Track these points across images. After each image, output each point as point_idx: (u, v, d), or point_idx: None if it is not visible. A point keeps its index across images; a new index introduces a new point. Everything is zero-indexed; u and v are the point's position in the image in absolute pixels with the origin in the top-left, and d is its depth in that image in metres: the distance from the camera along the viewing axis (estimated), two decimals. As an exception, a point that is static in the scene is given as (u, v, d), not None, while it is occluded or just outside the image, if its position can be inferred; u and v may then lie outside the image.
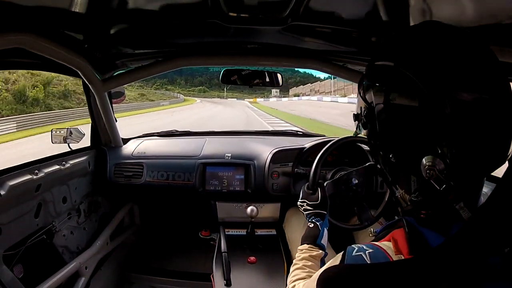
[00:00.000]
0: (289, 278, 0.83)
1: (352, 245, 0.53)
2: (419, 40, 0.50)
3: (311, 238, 0.94)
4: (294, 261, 0.90)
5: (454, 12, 0.73)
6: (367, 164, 1.31)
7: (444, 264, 0.42)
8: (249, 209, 1.45)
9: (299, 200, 1.10)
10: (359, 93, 0.58)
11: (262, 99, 56.07)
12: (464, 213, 0.45)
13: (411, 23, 0.84)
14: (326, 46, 1.26)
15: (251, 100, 55.23)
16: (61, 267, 1.28)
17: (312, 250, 0.90)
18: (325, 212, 1.02)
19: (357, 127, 0.60)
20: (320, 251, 0.91)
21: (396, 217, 0.58)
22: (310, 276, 0.77)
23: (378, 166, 0.58)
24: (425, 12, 0.77)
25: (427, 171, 0.45)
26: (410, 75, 0.46)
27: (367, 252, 0.49)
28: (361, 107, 0.58)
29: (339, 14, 0.90)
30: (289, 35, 1.10)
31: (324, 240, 0.94)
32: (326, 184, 1.32)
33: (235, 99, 62.32)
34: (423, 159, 0.45)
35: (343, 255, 0.52)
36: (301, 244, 0.94)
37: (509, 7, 0.64)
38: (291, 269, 0.87)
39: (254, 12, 0.93)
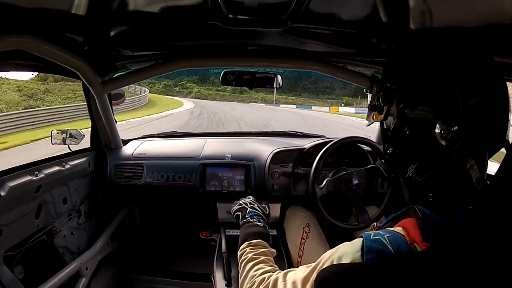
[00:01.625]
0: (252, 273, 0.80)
1: (365, 232, 0.53)
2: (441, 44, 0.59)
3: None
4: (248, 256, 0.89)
5: (454, 13, 0.73)
6: (368, 166, 1.32)
7: (454, 254, 0.43)
8: None
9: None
10: (376, 81, 0.68)
11: (351, 109, 33.23)
12: (474, 173, 0.49)
13: (411, 25, 0.84)
14: (326, 48, 1.26)
15: (326, 109, 34.43)
16: (62, 268, 1.29)
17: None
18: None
19: (372, 117, 0.67)
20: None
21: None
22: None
23: (388, 151, 0.63)
24: (425, 13, 0.76)
25: (443, 132, 0.50)
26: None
27: (385, 236, 0.50)
28: (378, 96, 0.64)
29: (339, 15, 0.90)
30: (289, 36, 1.10)
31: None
32: (327, 181, 1.33)
33: (293, 105, 40.83)
34: (437, 124, 0.51)
35: (362, 241, 0.52)
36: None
37: (509, 8, 0.64)
38: (248, 265, 0.85)
39: (254, 14, 0.93)
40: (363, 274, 0.48)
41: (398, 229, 0.52)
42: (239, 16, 0.93)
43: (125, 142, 1.83)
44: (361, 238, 0.52)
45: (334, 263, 0.52)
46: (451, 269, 0.43)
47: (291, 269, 0.68)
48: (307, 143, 1.61)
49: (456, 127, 0.50)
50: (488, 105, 0.51)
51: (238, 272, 1.26)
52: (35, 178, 1.14)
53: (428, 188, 0.55)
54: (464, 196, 0.52)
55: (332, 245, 1.25)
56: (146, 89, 32.86)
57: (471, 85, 0.51)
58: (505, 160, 0.45)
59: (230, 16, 0.91)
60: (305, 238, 1.33)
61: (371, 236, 0.51)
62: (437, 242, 0.47)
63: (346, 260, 0.51)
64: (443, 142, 0.50)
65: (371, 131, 1.26)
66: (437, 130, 0.51)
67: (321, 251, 1.15)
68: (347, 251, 0.52)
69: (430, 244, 0.47)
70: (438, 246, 0.46)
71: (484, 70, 0.53)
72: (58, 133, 1.60)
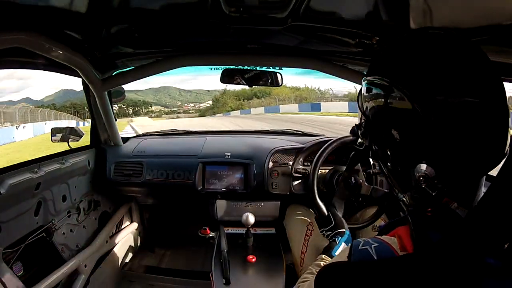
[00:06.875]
0: (299, 280, 0.84)
1: (358, 239, 0.54)
2: (406, 53, 0.52)
3: (328, 250, 1.02)
4: (309, 267, 0.95)
5: (454, 13, 0.73)
6: (351, 156, 1.30)
7: (443, 260, 0.43)
8: (244, 216, 1.41)
9: (320, 231, 1.17)
10: (358, 104, 0.60)
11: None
12: (461, 212, 0.48)
13: (411, 24, 0.84)
14: (326, 47, 1.26)
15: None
16: (61, 265, 1.29)
17: (325, 260, 0.96)
18: (344, 230, 1.09)
19: (360, 136, 0.62)
20: None
21: (402, 214, 0.58)
22: None
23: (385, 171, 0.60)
24: (425, 12, 0.76)
25: (420, 178, 0.47)
26: (397, 87, 0.48)
27: (372, 246, 0.51)
28: (360, 118, 0.61)
29: (339, 14, 0.90)
30: (290, 35, 1.10)
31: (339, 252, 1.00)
32: (326, 180, 1.34)
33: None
34: (416, 167, 0.47)
35: (350, 249, 0.53)
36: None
37: (509, 8, 0.64)
38: (303, 274, 0.90)
39: (255, 12, 0.93)
40: (351, 269, 0.50)
41: (390, 238, 0.52)
42: (239, 14, 0.93)
43: (125, 140, 1.83)
44: (350, 246, 0.53)
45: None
46: (433, 273, 0.43)
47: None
48: (307, 142, 1.61)
49: (433, 172, 0.46)
50: (483, 106, 0.44)
51: (236, 270, 1.28)
52: (35, 175, 1.14)
53: (423, 205, 0.53)
54: (455, 214, 0.50)
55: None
56: None
57: (463, 84, 0.45)
58: (503, 167, 0.43)
59: (231, 14, 0.91)
60: (309, 235, 1.34)
61: (360, 245, 0.52)
62: (417, 252, 0.46)
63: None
64: (423, 185, 0.47)
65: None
66: (415, 171, 0.47)
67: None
68: (337, 259, 0.57)
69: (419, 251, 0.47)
70: (425, 251, 0.45)
71: (478, 70, 0.46)
72: (57, 130, 1.60)
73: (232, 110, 49.76)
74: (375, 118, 0.54)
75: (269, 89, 50.95)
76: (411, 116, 0.46)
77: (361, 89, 0.59)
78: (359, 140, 1.24)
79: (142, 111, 72.31)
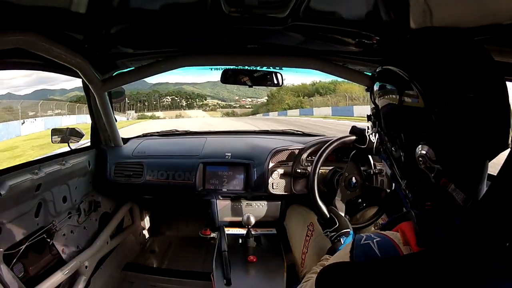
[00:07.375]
0: (303, 280, 0.85)
1: (360, 234, 0.54)
2: (413, 47, 0.56)
3: (333, 251, 1.04)
4: (313, 267, 0.96)
5: (454, 13, 0.73)
6: (351, 155, 1.34)
7: (446, 263, 0.43)
8: (245, 217, 1.44)
9: (323, 232, 1.17)
10: (370, 96, 0.65)
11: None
12: (458, 195, 0.49)
13: (411, 24, 0.84)
14: (326, 46, 1.26)
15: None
16: (61, 266, 1.29)
17: (329, 260, 0.95)
18: (348, 230, 1.09)
19: (370, 126, 0.67)
20: None
21: (404, 210, 0.59)
22: None
23: (387, 162, 0.64)
24: (425, 12, 0.76)
25: (420, 159, 0.51)
26: (405, 78, 0.52)
27: (374, 240, 0.51)
28: (372, 109, 0.65)
29: (340, 14, 0.90)
30: (290, 35, 1.10)
31: None
32: (327, 180, 1.34)
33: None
34: (416, 149, 0.51)
35: (352, 244, 0.54)
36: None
37: (509, 8, 0.64)
38: (307, 274, 0.90)
39: (255, 12, 0.93)
40: (352, 270, 0.50)
41: (392, 233, 0.53)
42: (239, 14, 0.93)
43: (125, 140, 1.83)
44: (352, 242, 0.54)
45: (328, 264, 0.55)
46: (437, 272, 0.43)
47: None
48: (307, 142, 1.61)
49: (430, 150, 0.49)
50: (482, 101, 0.47)
51: (237, 271, 1.28)
52: (35, 176, 1.14)
53: (423, 198, 0.56)
54: (456, 208, 0.51)
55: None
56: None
57: (463, 81, 0.48)
58: (505, 163, 0.43)
59: (231, 14, 0.91)
60: (309, 235, 1.34)
61: (362, 240, 0.52)
62: (429, 247, 0.46)
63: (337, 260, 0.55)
64: (423, 167, 0.51)
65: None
66: (416, 153, 0.51)
67: (325, 248, 1.17)
68: (339, 254, 0.57)
69: (423, 249, 0.47)
70: (428, 250, 0.46)
71: (477, 67, 0.50)
72: (58, 131, 1.60)
73: (289, 108, 43.92)
74: (384, 105, 0.58)
75: (333, 85, 49.32)
76: (419, 106, 0.50)
77: (373, 83, 0.63)
78: (355, 137, 1.28)
79: (196, 103, 70.54)
